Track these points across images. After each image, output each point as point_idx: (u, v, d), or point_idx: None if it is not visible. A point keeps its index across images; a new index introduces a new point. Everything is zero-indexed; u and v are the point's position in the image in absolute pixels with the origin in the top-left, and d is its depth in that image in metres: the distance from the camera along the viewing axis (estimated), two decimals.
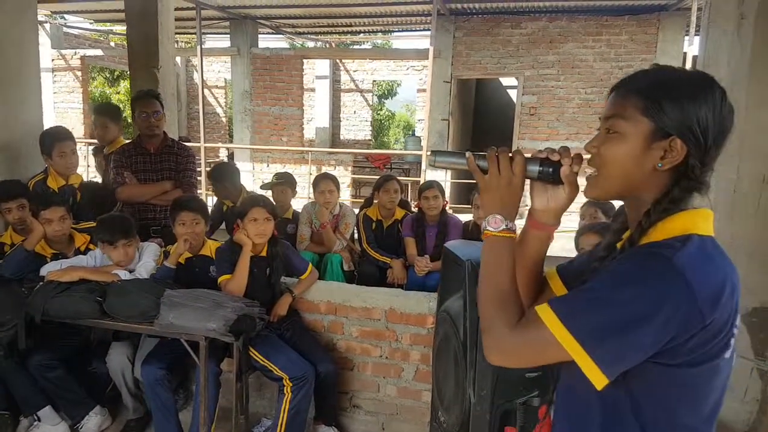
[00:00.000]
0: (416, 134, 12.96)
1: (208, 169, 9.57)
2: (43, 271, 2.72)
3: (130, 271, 2.76)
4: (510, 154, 1.03)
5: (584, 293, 0.90)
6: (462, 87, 9.63)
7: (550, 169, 1.04)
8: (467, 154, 1.07)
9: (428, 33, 10.15)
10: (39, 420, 2.85)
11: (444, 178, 8.23)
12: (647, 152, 0.93)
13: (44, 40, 10.03)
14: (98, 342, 2.95)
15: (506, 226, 1.01)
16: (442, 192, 3.75)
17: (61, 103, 10.95)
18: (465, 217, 3.88)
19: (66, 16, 11.62)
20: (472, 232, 3.54)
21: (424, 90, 12.15)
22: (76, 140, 3.52)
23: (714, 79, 0.94)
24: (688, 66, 6.43)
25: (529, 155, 1.05)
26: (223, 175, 3.94)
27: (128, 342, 2.91)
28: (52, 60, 10.63)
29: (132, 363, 2.87)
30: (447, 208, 3.84)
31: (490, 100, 11.95)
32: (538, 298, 1.12)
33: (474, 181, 1.11)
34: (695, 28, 7.04)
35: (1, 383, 2.81)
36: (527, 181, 1.06)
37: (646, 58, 8.21)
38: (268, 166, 9.73)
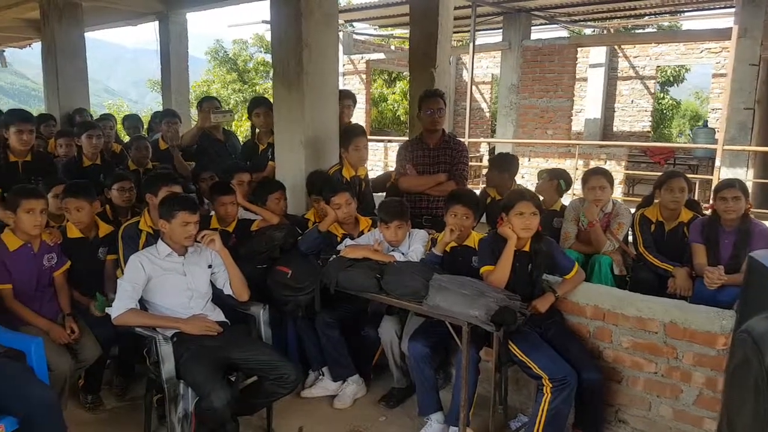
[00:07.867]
0: (708, 125, 11.22)
1: (471, 163, 9.92)
2: (340, 247, 3.14)
3: (403, 254, 3.02)
4: None
5: None
6: None
7: None
8: None
9: (729, 11, 8.69)
10: (323, 375, 3.31)
11: (745, 176, 6.96)
12: None
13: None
14: (372, 313, 3.29)
15: None
16: (745, 193, 3.15)
17: None
18: None
19: (354, 24, 13.24)
20: None
21: (722, 75, 10.48)
22: None
23: None
24: None
25: None
26: (506, 164, 4.08)
27: (397, 317, 3.18)
28: (343, 65, 12.21)
29: (399, 337, 3.12)
30: (749, 212, 3.22)
31: None
32: None
33: None
34: None
35: (299, 340, 3.35)
36: None
37: None
38: (529, 160, 9.56)
